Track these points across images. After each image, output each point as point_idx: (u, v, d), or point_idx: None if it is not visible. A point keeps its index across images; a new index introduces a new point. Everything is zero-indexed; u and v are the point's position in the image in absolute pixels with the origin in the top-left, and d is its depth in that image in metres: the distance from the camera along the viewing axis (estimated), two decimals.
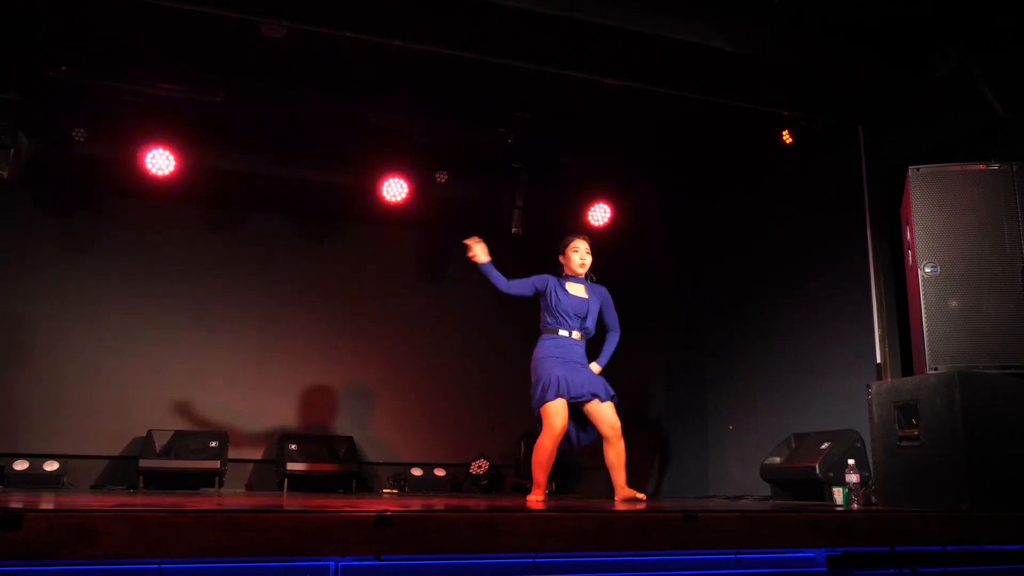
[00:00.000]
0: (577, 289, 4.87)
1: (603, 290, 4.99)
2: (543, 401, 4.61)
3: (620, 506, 3.92)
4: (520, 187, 6.91)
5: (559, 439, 4.59)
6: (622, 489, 4.70)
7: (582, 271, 4.89)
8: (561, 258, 4.95)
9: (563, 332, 4.76)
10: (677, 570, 3.23)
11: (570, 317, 4.76)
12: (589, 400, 4.67)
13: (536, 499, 4.54)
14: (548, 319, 4.82)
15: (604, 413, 4.67)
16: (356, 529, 2.54)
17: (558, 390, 4.59)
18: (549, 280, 4.86)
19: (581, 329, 4.79)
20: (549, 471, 4.62)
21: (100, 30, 5.45)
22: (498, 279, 4.79)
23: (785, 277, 6.51)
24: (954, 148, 5.13)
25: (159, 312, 6.95)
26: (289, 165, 6.96)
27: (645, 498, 4.65)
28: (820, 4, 4.86)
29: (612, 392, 4.73)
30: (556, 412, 4.57)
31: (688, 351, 7.50)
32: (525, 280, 4.85)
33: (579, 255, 4.87)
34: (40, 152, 6.30)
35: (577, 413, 4.73)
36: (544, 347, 4.76)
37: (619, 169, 7.27)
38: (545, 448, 4.57)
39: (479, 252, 4.76)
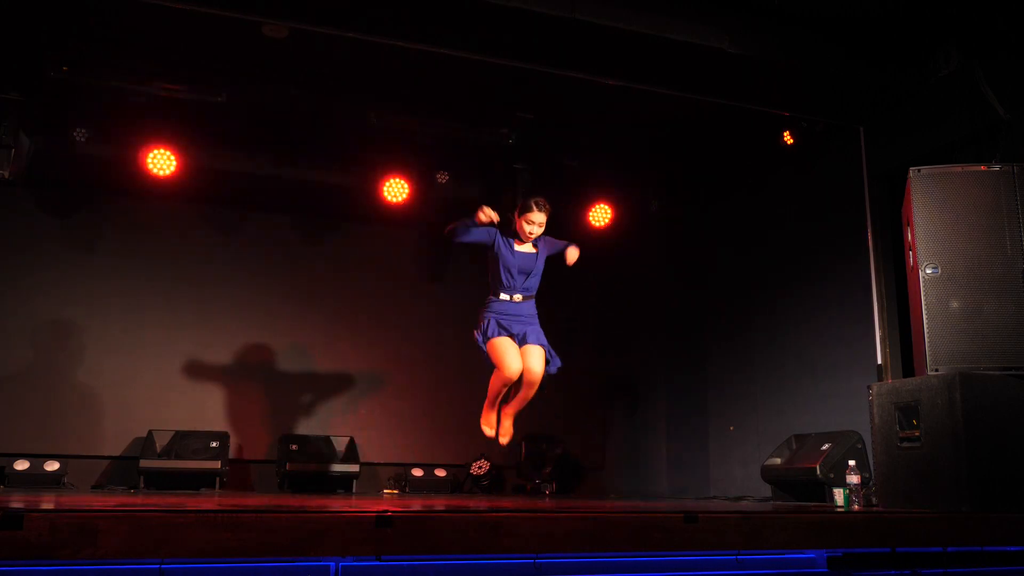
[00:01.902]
0: (524, 247, 4.87)
1: (548, 240, 4.93)
2: (486, 339, 4.73)
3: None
4: (521, 187, 6.92)
5: (511, 381, 4.70)
6: (503, 420, 4.90)
7: (529, 240, 4.85)
8: (516, 217, 4.84)
9: (504, 296, 4.81)
10: (678, 571, 3.23)
11: (514, 276, 4.80)
12: (523, 344, 4.75)
13: (487, 429, 4.95)
14: (492, 279, 4.86)
15: (530, 355, 4.72)
16: (357, 529, 2.54)
17: (496, 329, 4.71)
18: (496, 235, 4.82)
19: (523, 289, 4.82)
20: (494, 419, 4.90)
21: (101, 30, 5.45)
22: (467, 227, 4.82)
23: (786, 278, 6.51)
24: (956, 149, 5.13)
25: (160, 312, 6.95)
26: (290, 165, 6.96)
27: (501, 438, 4.90)
28: (822, 5, 4.86)
29: (546, 343, 4.78)
30: (503, 350, 4.67)
31: (689, 352, 7.50)
32: (473, 230, 4.79)
33: (531, 228, 4.78)
34: (41, 152, 6.31)
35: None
36: (487, 307, 4.84)
37: (620, 170, 7.27)
38: (494, 387, 4.79)
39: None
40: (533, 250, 4.87)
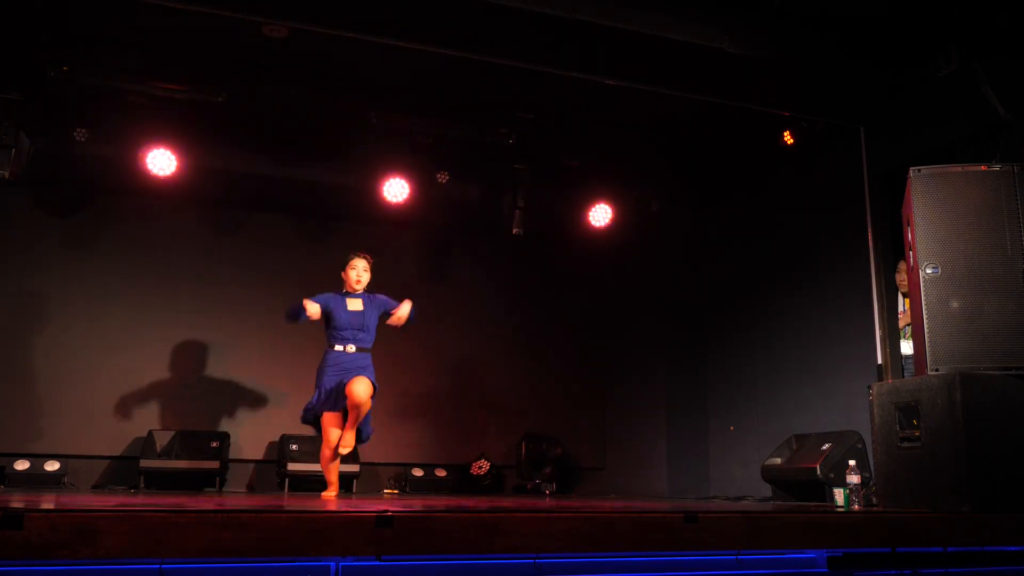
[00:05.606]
0: (355, 304, 5.27)
1: (381, 298, 5.36)
2: (318, 412, 5.07)
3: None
4: (521, 187, 6.92)
5: (335, 448, 5.05)
6: (345, 434, 5.05)
7: (359, 288, 5.28)
8: (342, 274, 5.33)
9: (339, 347, 5.16)
10: (678, 571, 3.23)
11: (347, 331, 5.17)
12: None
13: (328, 495, 5.14)
14: (328, 333, 5.22)
15: (355, 382, 4.92)
16: (357, 529, 2.54)
17: (327, 402, 5.04)
18: (330, 299, 5.24)
19: (356, 340, 5.18)
20: (336, 472, 5.19)
21: (101, 30, 5.45)
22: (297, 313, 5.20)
23: (786, 278, 6.51)
24: (956, 149, 5.12)
25: (160, 312, 6.95)
26: (290, 165, 6.96)
27: (342, 448, 5.04)
28: (822, 4, 4.86)
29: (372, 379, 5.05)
30: (327, 425, 5.05)
31: (689, 351, 7.50)
32: (314, 301, 5.16)
33: (356, 272, 5.28)
34: (41, 152, 6.31)
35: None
36: (324, 360, 5.18)
37: (620, 170, 7.27)
38: (325, 457, 5.12)
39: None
40: (362, 307, 5.24)
